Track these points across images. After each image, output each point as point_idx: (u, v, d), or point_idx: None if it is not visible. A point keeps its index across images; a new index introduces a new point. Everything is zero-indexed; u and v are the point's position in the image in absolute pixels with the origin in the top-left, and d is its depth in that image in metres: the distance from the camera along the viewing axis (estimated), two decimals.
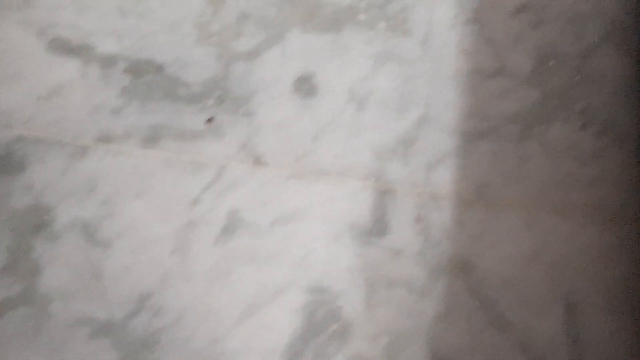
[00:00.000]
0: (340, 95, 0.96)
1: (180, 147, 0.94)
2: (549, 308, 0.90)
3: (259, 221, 0.92)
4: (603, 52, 0.97)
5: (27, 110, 0.95)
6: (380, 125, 0.95)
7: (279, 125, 0.95)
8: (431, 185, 0.93)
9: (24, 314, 0.88)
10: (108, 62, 0.96)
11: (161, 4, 0.98)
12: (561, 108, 0.96)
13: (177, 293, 0.89)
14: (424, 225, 0.92)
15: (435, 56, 0.97)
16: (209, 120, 0.95)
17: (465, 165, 0.94)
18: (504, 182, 0.93)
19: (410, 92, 0.96)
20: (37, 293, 0.88)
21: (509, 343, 0.89)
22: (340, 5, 0.99)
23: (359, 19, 0.98)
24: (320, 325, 0.89)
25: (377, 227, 0.92)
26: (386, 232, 0.92)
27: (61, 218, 0.91)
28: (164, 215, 0.92)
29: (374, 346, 0.88)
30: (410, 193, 0.93)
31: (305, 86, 0.96)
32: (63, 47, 0.97)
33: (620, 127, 0.95)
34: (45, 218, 0.91)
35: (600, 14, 0.98)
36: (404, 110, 0.95)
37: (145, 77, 0.96)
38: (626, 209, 0.92)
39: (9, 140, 0.93)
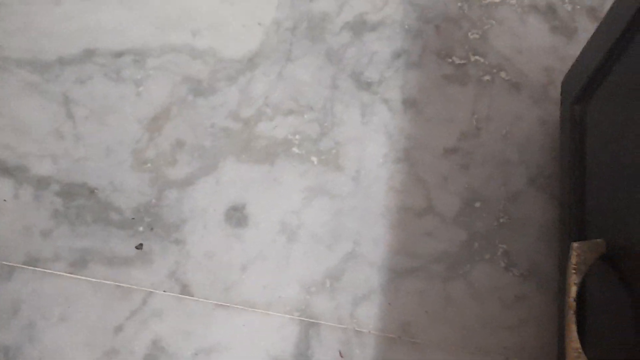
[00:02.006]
0: (271, 226, 0.97)
1: (109, 272, 0.94)
2: None
3: (181, 352, 0.91)
4: (528, 196, 1.00)
5: None
6: (309, 258, 0.96)
7: (208, 254, 0.95)
8: (356, 321, 0.94)
9: None
10: (41, 184, 0.97)
11: (97, 129, 0.99)
12: (486, 249, 0.98)
13: None
14: None
15: (365, 192, 0.99)
16: (139, 246, 0.95)
17: (391, 302, 0.95)
18: (429, 321, 0.94)
19: (340, 226, 0.98)
20: None
21: None
22: (275, 138, 1.01)
23: (292, 152, 1.01)
24: None
25: None
26: None
27: None
28: (86, 341, 0.91)
29: None
30: (335, 328, 0.93)
31: (236, 216, 0.97)
32: None
33: (542, 270, 0.97)
34: None
35: (526, 161, 1.02)
36: (333, 245, 0.97)
37: (78, 201, 0.96)
38: (546, 352, 0.94)
39: None
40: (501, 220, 0.99)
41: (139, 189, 0.97)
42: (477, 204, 1.00)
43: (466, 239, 0.98)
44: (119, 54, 1.04)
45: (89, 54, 1.03)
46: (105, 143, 0.99)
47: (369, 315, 0.94)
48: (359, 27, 1.08)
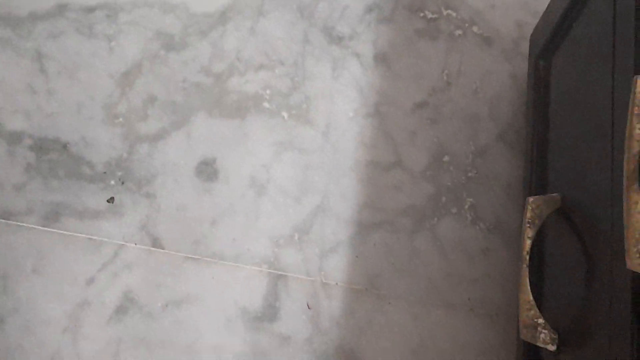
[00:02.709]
0: (241, 181, 0.99)
1: (80, 225, 0.95)
2: None
3: (152, 303, 0.93)
4: (496, 152, 1.01)
5: None
6: (277, 212, 0.98)
7: (179, 208, 0.97)
8: (324, 273, 0.96)
9: None
10: (14, 138, 0.98)
11: (70, 84, 1.00)
12: (453, 204, 0.99)
13: None
14: (314, 312, 0.94)
15: (335, 147, 1.01)
16: (110, 200, 0.97)
17: (358, 255, 0.97)
18: (395, 274, 0.96)
19: (309, 180, 0.99)
20: None
21: None
22: (246, 93, 1.02)
23: (263, 107, 1.01)
24: None
25: (268, 313, 0.94)
26: (277, 318, 0.94)
27: None
28: (58, 293, 0.93)
29: None
30: (303, 280, 0.95)
31: (207, 171, 0.99)
32: None
33: (507, 225, 0.99)
34: None
35: (495, 116, 1.03)
36: (302, 198, 0.98)
37: (50, 155, 0.98)
38: (509, 306, 0.96)
39: None
40: (469, 174, 1.01)
41: (110, 144, 0.99)
42: (446, 158, 1.01)
43: (434, 192, 1.00)
44: (91, 9, 1.04)
45: (61, 9, 1.04)
46: (77, 98, 1.00)
47: (337, 267, 0.96)
48: None
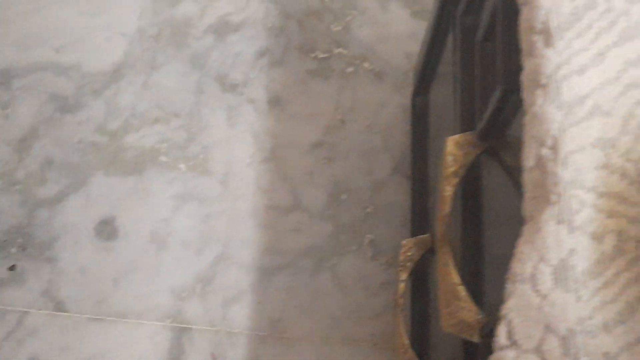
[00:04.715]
0: (141, 237, 1.00)
1: None
2: None
3: None
4: (392, 185, 1.03)
5: None
6: (179, 264, 0.99)
7: (81, 269, 0.98)
8: (227, 322, 0.97)
9: None
10: None
11: None
12: (352, 241, 1.01)
13: None
14: None
15: (233, 194, 1.02)
16: (12, 267, 0.98)
17: (260, 300, 0.98)
18: (298, 316, 0.98)
19: (210, 230, 1.00)
20: None
21: None
22: (143, 148, 1.03)
23: (160, 161, 1.03)
24: None
25: None
26: None
27: None
28: None
29: None
30: (207, 331, 0.97)
31: (106, 230, 1.00)
32: None
33: None
34: None
35: (390, 149, 1.04)
36: (203, 249, 1.00)
37: None
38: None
39: None
40: (367, 210, 1.02)
41: (10, 211, 1.00)
42: (344, 196, 1.02)
43: (333, 231, 1.01)
44: None
45: None
46: None
47: (240, 315, 0.97)
48: (222, 29, 1.09)
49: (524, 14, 0.45)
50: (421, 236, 0.80)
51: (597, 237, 0.40)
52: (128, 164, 1.02)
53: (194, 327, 0.97)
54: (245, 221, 1.01)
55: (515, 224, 0.44)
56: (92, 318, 0.96)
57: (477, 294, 0.58)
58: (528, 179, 0.43)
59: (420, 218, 0.88)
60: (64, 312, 0.96)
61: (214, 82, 1.07)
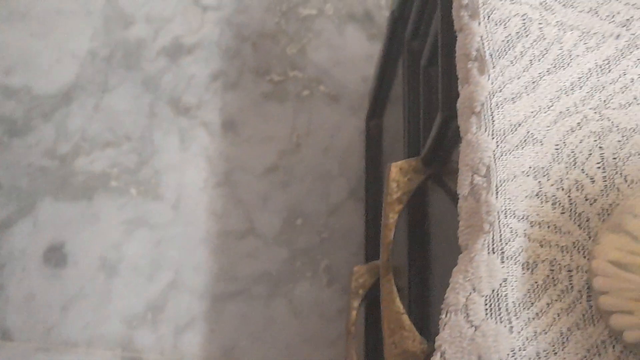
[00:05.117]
0: (91, 263, 0.97)
1: None
2: None
3: None
4: (348, 209, 1.02)
5: None
6: (130, 292, 0.97)
7: (28, 297, 0.96)
8: (179, 351, 0.95)
9: None
10: None
11: None
12: (308, 266, 0.99)
13: None
14: None
15: (186, 220, 1.00)
16: None
17: (213, 328, 0.96)
18: (252, 344, 0.96)
19: (161, 256, 0.98)
20: None
21: None
22: (93, 172, 1.01)
23: (110, 186, 1.01)
24: None
25: None
26: None
27: None
28: None
29: None
30: None
31: (55, 256, 0.97)
32: None
33: None
34: None
35: (346, 173, 1.03)
36: (154, 276, 0.98)
37: None
38: None
39: None
40: (323, 235, 1.01)
41: None
42: (299, 221, 1.01)
43: (288, 257, 1.00)
44: None
45: None
46: None
47: (192, 344, 0.95)
48: (176, 51, 1.08)
49: (460, 41, 0.45)
50: (373, 262, 0.79)
51: (530, 267, 0.39)
52: (78, 189, 1.00)
53: (144, 356, 0.94)
54: (197, 247, 0.99)
55: (459, 251, 0.44)
56: (39, 347, 0.94)
57: (422, 323, 0.57)
58: (463, 207, 0.42)
59: (374, 244, 0.87)
60: (10, 340, 0.94)
61: (166, 105, 1.05)
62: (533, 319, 0.38)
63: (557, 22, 0.45)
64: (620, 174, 0.42)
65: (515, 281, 0.39)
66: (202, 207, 1.01)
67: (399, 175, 0.57)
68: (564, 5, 0.46)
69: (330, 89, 1.07)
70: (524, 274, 0.39)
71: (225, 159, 1.03)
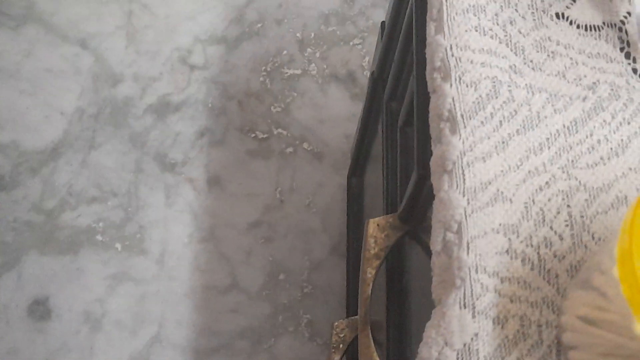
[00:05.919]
0: (75, 317, 0.98)
1: None
2: None
3: None
4: (330, 265, 1.03)
5: None
6: (113, 347, 0.97)
7: (11, 351, 0.95)
8: None
9: None
10: None
11: None
12: (290, 321, 1.00)
13: None
14: None
15: (170, 275, 1.01)
16: None
17: None
18: None
19: (145, 311, 0.99)
20: None
21: None
22: (79, 227, 1.02)
23: (96, 240, 1.02)
24: None
25: None
26: None
27: None
28: None
29: None
30: None
31: (39, 310, 0.98)
32: None
33: None
34: None
35: (328, 229, 1.05)
36: (138, 330, 0.98)
37: None
38: None
39: None
40: (305, 290, 1.01)
41: None
42: (281, 276, 1.02)
43: (270, 312, 1.00)
44: None
45: None
46: None
47: None
48: (163, 108, 1.10)
49: (433, 102, 0.47)
50: (354, 317, 0.80)
51: (500, 322, 0.40)
52: (63, 244, 1.01)
53: None
54: (181, 302, 1.00)
55: (434, 306, 0.45)
56: None
57: None
58: (436, 262, 0.44)
59: (355, 299, 0.88)
60: None
61: (153, 162, 1.07)
62: None
63: (526, 84, 0.48)
64: (588, 231, 0.44)
65: (487, 336, 0.40)
66: (186, 262, 1.02)
67: (376, 231, 0.59)
68: (532, 68, 0.49)
69: (314, 147, 1.09)
70: (494, 328, 0.40)
71: (210, 215, 1.04)
